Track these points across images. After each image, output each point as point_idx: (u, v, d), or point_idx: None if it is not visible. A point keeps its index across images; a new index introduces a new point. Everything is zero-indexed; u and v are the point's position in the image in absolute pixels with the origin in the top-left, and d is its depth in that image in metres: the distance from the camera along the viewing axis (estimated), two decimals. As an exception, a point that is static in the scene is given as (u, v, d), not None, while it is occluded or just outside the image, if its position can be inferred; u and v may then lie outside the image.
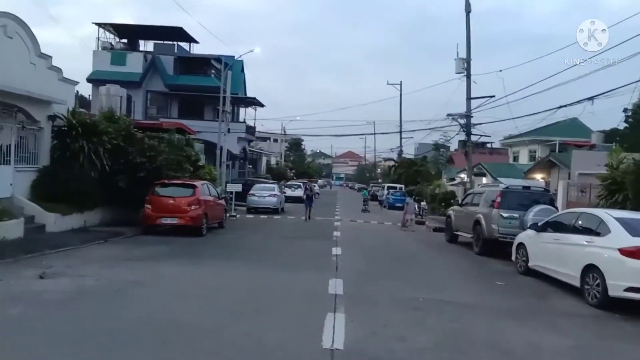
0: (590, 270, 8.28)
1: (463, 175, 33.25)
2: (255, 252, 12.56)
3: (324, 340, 5.49)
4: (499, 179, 25.38)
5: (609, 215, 8.69)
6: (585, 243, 8.66)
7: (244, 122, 42.48)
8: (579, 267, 8.53)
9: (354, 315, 6.62)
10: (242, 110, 45.09)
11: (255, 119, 47.30)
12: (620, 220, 8.36)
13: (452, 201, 26.53)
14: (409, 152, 58.52)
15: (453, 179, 38.65)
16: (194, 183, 15.67)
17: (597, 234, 8.56)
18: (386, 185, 45.33)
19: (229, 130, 29.93)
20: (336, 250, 12.84)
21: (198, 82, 36.92)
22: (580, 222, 9.37)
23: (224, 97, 28.84)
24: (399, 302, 7.73)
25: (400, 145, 51.28)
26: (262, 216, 23.44)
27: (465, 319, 6.87)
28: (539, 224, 10.65)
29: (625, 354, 5.85)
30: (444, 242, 16.99)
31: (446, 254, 14.45)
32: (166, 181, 15.35)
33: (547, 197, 14.10)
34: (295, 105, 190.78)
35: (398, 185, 42.09)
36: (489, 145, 48.98)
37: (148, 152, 15.85)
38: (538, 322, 7.02)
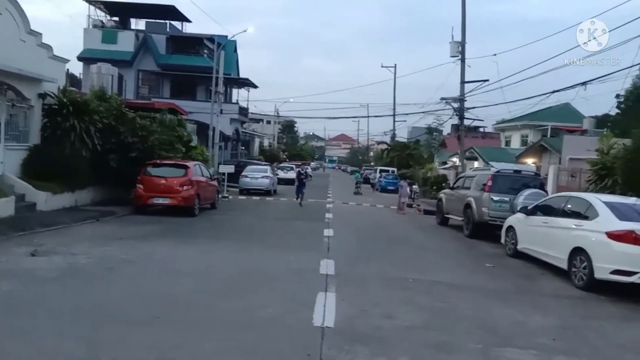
0: (577, 253, 8.43)
1: (455, 159, 33.39)
2: (247, 233, 12.61)
3: (315, 318, 5.58)
4: (490, 163, 25.61)
5: (597, 200, 8.81)
6: (574, 226, 8.79)
7: (237, 103, 42.17)
8: (566, 250, 8.68)
9: (344, 294, 6.71)
10: (234, 91, 44.72)
11: (248, 100, 47.14)
12: (608, 205, 8.49)
13: (443, 184, 26.68)
14: (402, 135, 58.63)
15: (445, 163, 38.82)
16: (186, 163, 15.62)
17: (586, 217, 8.69)
18: (379, 168, 45.42)
19: (221, 111, 29.75)
20: (328, 232, 12.92)
21: (190, 62, 36.48)
22: (569, 206, 9.49)
23: (217, 78, 28.58)
24: (389, 282, 7.83)
25: (394, 129, 51.30)
26: (255, 197, 23.46)
27: (453, 298, 7.00)
28: (529, 208, 10.78)
29: (609, 335, 5.99)
30: (435, 225, 17.15)
31: (437, 236, 14.60)
32: (158, 161, 15.28)
33: (537, 181, 14.23)
34: (289, 86, 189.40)
35: (390, 169, 42.18)
36: (481, 130, 49.16)
37: (140, 132, 15.74)
38: (525, 302, 7.17)
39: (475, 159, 32.62)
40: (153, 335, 4.89)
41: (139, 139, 15.57)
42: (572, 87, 18.86)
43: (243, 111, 42.53)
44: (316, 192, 27.73)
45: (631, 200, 8.96)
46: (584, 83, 17.92)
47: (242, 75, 42.57)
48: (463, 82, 26.64)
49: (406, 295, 7.01)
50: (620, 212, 8.23)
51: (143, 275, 7.38)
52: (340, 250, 10.39)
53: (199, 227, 12.89)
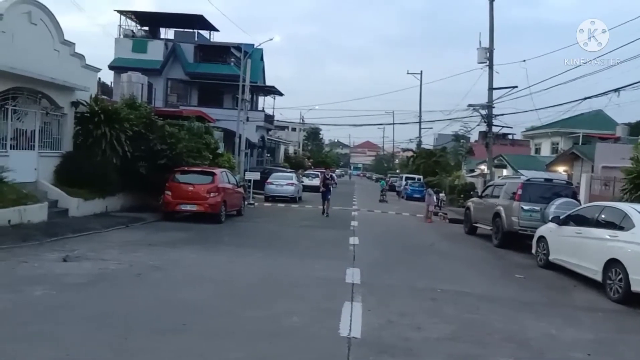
0: (612, 264, 8.12)
1: (483, 167, 32.79)
2: (273, 240, 12.63)
3: (341, 329, 5.52)
4: (519, 171, 25.07)
5: (633, 210, 8.48)
6: (609, 237, 8.50)
7: (263, 110, 42.54)
8: (601, 262, 8.38)
9: (370, 304, 6.63)
10: (260, 98, 45.13)
11: (274, 108, 47.49)
12: (646, 215, 8.16)
13: (471, 193, 26.25)
14: (428, 142, 57.95)
15: (473, 171, 38.20)
16: (213, 170, 15.79)
17: (621, 228, 8.38)
18: (404, 175, 45.02)
19: (247, 119, 30.01)
20: (353, 240, 12.84)
21: (218, 70, 37.05)
22: (603, 216, 9.18)
23: (244, 86, 28.89)
24: (416, 292, 7.71)
25: (420, 136, 50.88)
26: (280, 204, 23.54)
27: (482, 310, 6.83)
28: (561, 217, 10.47)
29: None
30: (462, 234, 16.85)
31: (465, 245, 14.33)
32: (186, 168, 15.50)
33: (569, 190, 13.84)
34: (314, 93, 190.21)
35: (417, 176, 41.76)
36: (510, 137, 48.24)
37: (168, 140, 16.01)
38: (557, 315, 6.93)
39: (504, 166, 32.00)
40: (179, 343, 4.91)
41: (167, 147, 15.83)
42: (604, 93, 18.32)
43: (269, 118, 42.88)
44: (341, 199, 27.66)
45: (670, 210, 8.59)
46: (616, 90, 17.39)
47: (268, 83, 42.98)
48: (491, 89, 26.24)
49: (434, 306, 6.88)
50: (658, 222, 7.90)
51: (170, 282, 7.46)
52: (366, 258, 10.30)
53: (225, 234, 12.99)
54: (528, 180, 13.97)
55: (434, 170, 42.27)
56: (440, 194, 29.82)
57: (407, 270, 9.55)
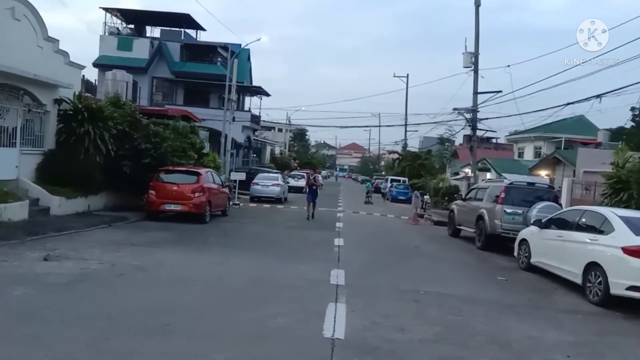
0: (592, 268, 8.27)
1: (467, 170, 33.14)
2: (257, 241, 12.59)
3: (325, 330, 5.53)
4: (503, 174, 25.39)
5: (613, 214, 8.65)
6: (589, 241, 8.65)
7: (249, 111, 42.40)
8: (581, 265, 8.52)
9: (355, 305, 6.66)
10: (247, 99, 44.99)
11: (260, 108, 47.37)
12: (624, 219, 8.33)
13: (455, 195, 26.52)
14: (414, 145, 58.45)
15: (457, 174, 38.60)
16: (198, 170, 15.69)
17: (601, 232, 8.54)
18: (390, 177, 45.22)
19: (234, 119, 29.88)
20: (338, 241, 12.87)
21: (204, 70, 36.83)
22: (584, 220, 9.35)
23: (230, 86, 28.77)
24: (400, 294, 7.76)
25: (405, 138, 51.20)
26: (265, 205, 23.47)
27: (465, 312, 6.90)
28: (543, 221, 10.63)
29: (626, 351, 5.86)
30: (446, 236, 16.99)
31: (448, 247, 14.45)
32: (170, 168, 15.38)
33: (551, 194, 14.05)
34: (301, 94, 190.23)
35: (402, 178, 41.96)
36: (494, 141, 48.83)
37: (153, 139, 15.86)
38: (538, 317, 7.04)
39: (488, 170, 32.40)
40: (163, 344, 4.87)
41: (152, 146, 15.67)
42: (586, 99, 18.66)
43: (255, 119, 42.75)
44: (327, 200, 27.69)
45: (647, 214, 8.79)
46: (598, 96, 17.72)
47: (255, 83, 42.86)
48: (476, 93, 26.51)
49: (418, 308, 6.93)
50: (636, 227, 8.06)
51: (154, 283, 7.39)
52: (351, 260, 10.32)
53: (210, 234, 12.91)
54: (511, 183, 14.16)
55: (419, 173, 42.51)
56: (425, 196, 30.05)
57: (391, 272, 9.60)
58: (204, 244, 11.30)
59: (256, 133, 48.03)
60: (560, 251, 9.50)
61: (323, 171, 78.44)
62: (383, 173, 65.14)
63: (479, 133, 28.35)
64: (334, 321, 5.83)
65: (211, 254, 10.07)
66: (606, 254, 8.08)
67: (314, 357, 4.71)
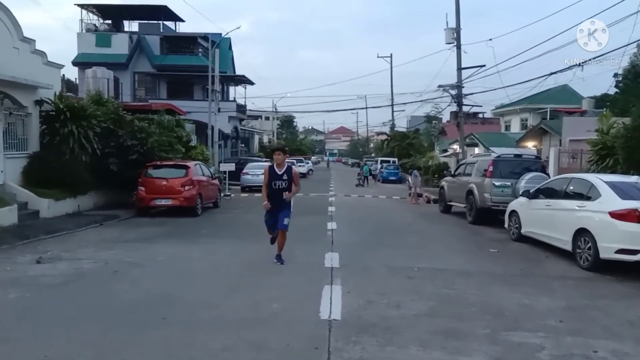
0: (581, 234, 8.43)
1: (455, 146, 33.33)
2: (250, 230, 12.58)
3: (322, 312, 5.59)
4: (490, 148, 25.54)
5: (599, 180, 8.78)
6: (577, 208, 8.78)
7: (234, 100, 42.08)
8: (570, 232, 8.68)
9: (350, 286, 6.73)
10: (231, 88, 44.61)
11: (245, 98, 47.00)
12: (610, 184, 8.46)
13: (444, 172, 26.66)
14: (402, 125, 58.50)
15: (445, 151, 38.75)
16: (187, 164, 15.62)
17: (588, 198, 8.68)
18: (379, 159, 45.37)
19: (219, 110, 29.69)
20: (331, 225, 12.94)
21: (186, 62, 36.41)
22: (571, 188, 9.48)
23: (213, 76, 28.51)
24: (394, 272, 7.83)
25: (393, 119, 51.30)
26: (257, 194, 23.18)
27: (459, 285, 6.99)
28: (531, 191, 10.76)
29: (617, 313, 5.99)
30: (438, 213, 17.14)
31: (440, 224, 14.59)
32: (158, 163, 15.29)
33: (538, 164, 14.21)
34: (286, 80, 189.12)
35: (391, 159, 42.13)
36: (480, 115, 49.03)
37: (138, 134, 15.73)
38: (530, 285, 7.17)
39: (476, 145, 32.56)
40: (161, 336, 4.89)
41: (138, 142, 15.55)
42: (569, 68, 18.77)
43: (241, 108, 42.47)
44: (318, 186, 27.74)
45: (633, 179, 8.93)
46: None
47: (238, 72, 42.47)
48: (460, 69, 26.52)
49: (412, 284, 7.01)
50: (622, 191, 8.21)
51: (148, 277, 7.40)
52: (344, 242, 10.40)
53: (202, 226, 12.90)
54: (498, 157, 14.31)
55: (408, 152, 42.72)
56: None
57: (384, 251, 9.68)
58: (197, 236, 11.30)
59: (243, 123, 47.74)
60: (549, 220, 9.64)
61: (313, 157, 78.33)
62: (373, 155, 65.27)
63: (465, 108, 28.49)
64: (330, 303, 5.90)
65: (204, 246, 10.08)
66: (594, 219, 8.22)
67: (312, 339, 4.76)
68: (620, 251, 7.68)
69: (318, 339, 4.77)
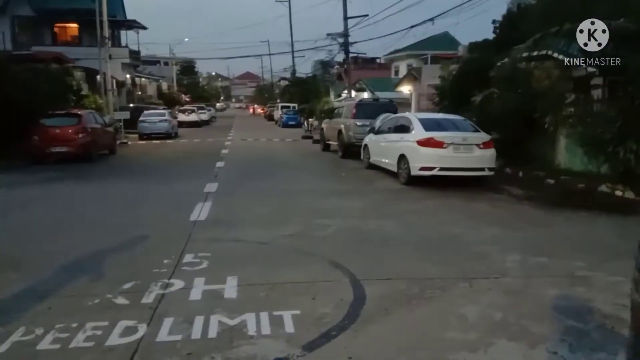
0: (401, 158, 11.20)
1: (347, 92, 35.94)
2: (143, 171, 14.14)
3: (192, 217, 7.69)
4: (376, 92, 28.34)
5: (414, 117, 11.56)
6: (399, 139, 11.52)
7: (127, 46, 40.91)
8: (395, 157, 11.44)
9: (219, 203, 8.84)
10: (123, 33, 43.07)
11: (139, 43, 45.70)
12: (421, 120, 11.25)
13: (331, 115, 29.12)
14: (306, 70, 60.05)
15: (340, 95, 41.37)
16: (79, 112, 16.39)
17: (407, 131, 11.42)
18: (280, 105, 47.10)
19: (110, 57, 29.33)
20: (220, 164, 14.82)
21: (70, 5, 34.51)
22: (399, 124, 12.20)
23: (101, 21, 27.96)
24: (260, 193, 10.03)
25: (293, 64, 52.59)
26: (155, 141, 24.44)
27: (300, 198, 9.40)
28: (376, 128, 13.42)
29: (396, 206, 8.72)
30: (320, 151, 19.64)
31: (316, 159, 17.08)
32: (50, 112, 15.87)
33: (392, 107, 16.95)
34: (186, 27, 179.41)
35: (291, 105, 44.04)
36: (378, 60, 52.05)
37: (26, 86, 15.94)
38: (355, 195, 9.78)
39: (364, 90, 35.41)
40: (65, 239, 6.67)
41: (25, 96, 15.70)
42: (445, 12, 21.51)
43: (134, 54, 41.43)
44: (218, 132, 29.05)
45: (439, 115, 11.81)
46: (454, 7, 20.62)
47: (130, 16, 41.09)
48: (346, 19, 28.74)
49: (266, 199, 9.31)
50: (427, 125, 11.01)
51: (54, 204, 9.00)
52: (227, 176, 12.42)
53: (98, 170, 14.19)
54: (360, 101, 16.90)
55: (307, 98, 44.77)
56: (310, 120, 32.65)
57: (259, 181, 11.82)
58: (92, 177, 12.70)
59: (138, 69, 46.58)
60: (384, 149, 12.38)
61: (218, 104, 77.66)
62: (278, 100, 66.55)
63: (358, 56, 30.92)
64: (200, 212, 8.01)
65: (99, 184, 11.61)
66: (408, 146, 10.98)
67: (181, 230, 6.83)
68: (423, 169, 10.50)
69: (185, 229, 6.86)
